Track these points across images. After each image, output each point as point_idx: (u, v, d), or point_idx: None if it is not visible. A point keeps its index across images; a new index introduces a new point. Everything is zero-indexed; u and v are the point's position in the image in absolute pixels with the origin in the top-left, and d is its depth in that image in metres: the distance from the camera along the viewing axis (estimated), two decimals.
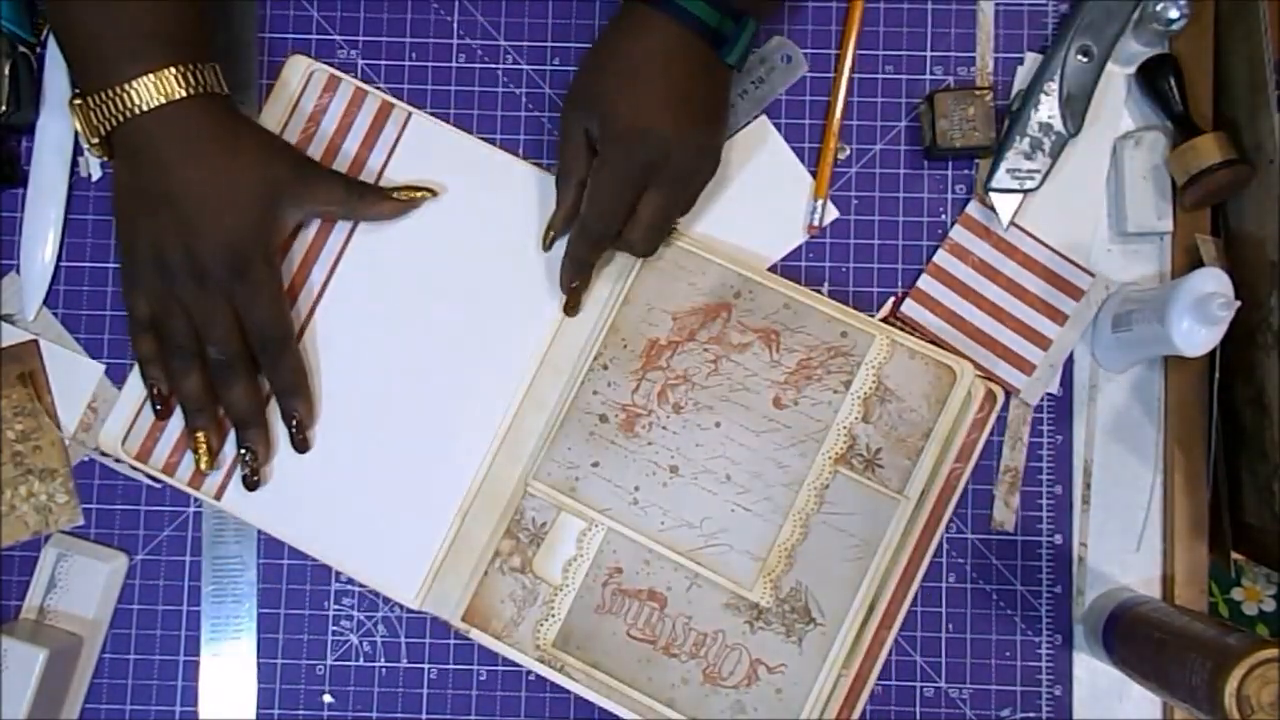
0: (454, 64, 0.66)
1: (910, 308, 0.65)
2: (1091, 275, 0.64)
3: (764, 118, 0.66)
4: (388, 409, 0.63)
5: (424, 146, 0.65)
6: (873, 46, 0.66)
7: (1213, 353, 0.60)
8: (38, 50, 0.65)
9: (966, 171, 0.66)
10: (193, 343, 0.59)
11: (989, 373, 0.64)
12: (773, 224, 0.65)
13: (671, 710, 0.59)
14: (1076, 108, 0.63)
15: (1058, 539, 0.64)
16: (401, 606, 0.64)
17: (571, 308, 0.63)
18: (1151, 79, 0.64)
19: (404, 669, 0.64)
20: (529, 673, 0.63)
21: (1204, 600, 0.63)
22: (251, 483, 0.61)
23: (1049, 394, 0.64)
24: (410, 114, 0.65)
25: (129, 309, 0.60)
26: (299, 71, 0.65)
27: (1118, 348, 0.63)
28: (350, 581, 0.64)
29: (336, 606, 0.64)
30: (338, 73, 0.65)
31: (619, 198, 0.58)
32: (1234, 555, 0.64)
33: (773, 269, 0.65)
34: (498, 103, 0.66)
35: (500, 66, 0.66)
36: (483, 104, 0.66)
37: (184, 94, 0.56)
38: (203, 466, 0.61)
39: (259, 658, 0.64)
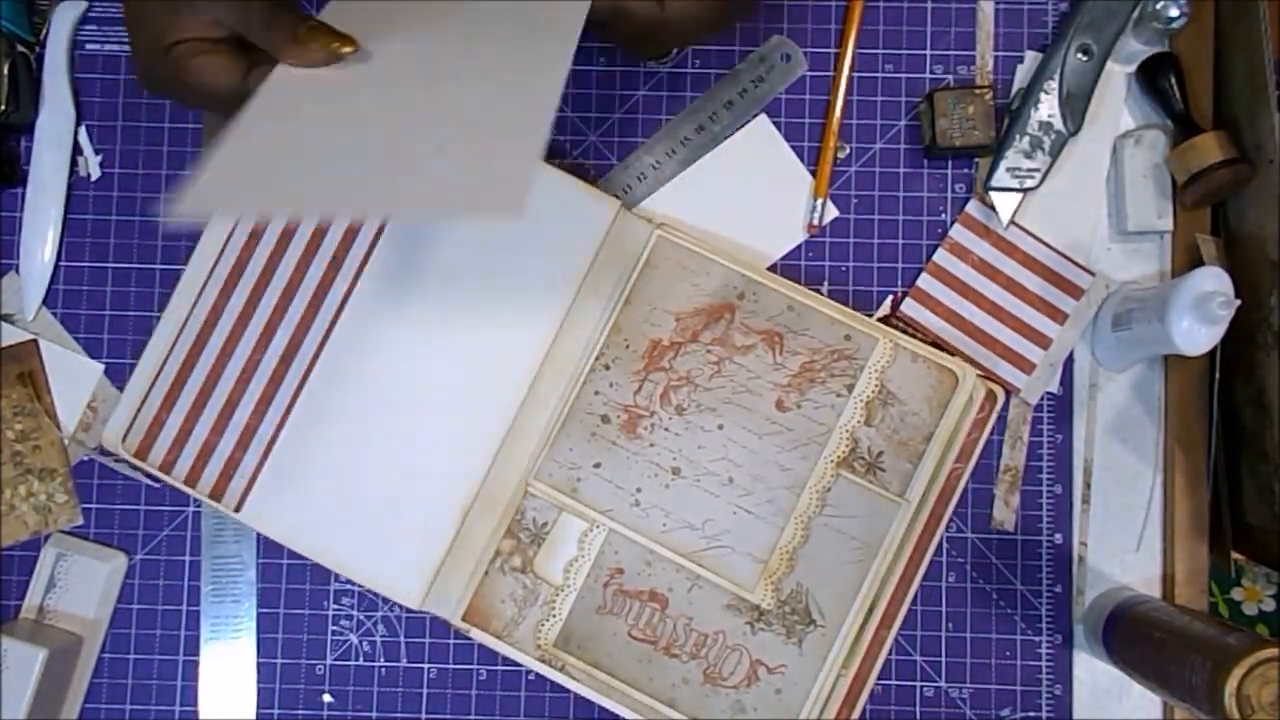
0: None
1: (910, 307, 0.64)
2: (1091, 274, 0.64)
3: (764, 117, 0.66)
4: (390, 409, 0.63)
5: None
6: (872, 45, 0.66)
7: (1213, 352, 0.60)
8: (37, 50, 0.65)
9: (966, 170, 0.66)
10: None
11: (989, 372, 0.64)
12: (772, 223, 0.65)
13: (672, 710, 0.59)
14: (1076, 106, 0.63)
15: (1058, 538, 0.64)
16: (401, 606, 0.64)
17: None
18: (1152, 78, 0.64)
19: (404, 669, 0.64)
20: (529, 672, 0.63)
21: (1204, 600, 0.63)
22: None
23: (1049, 393, 0.64)
24: None
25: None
26: None
27: (1118, 347, 0.63)
28: (350, 581, 0.64)
29: (336, 606, 0.64)
30: None
31: None
32: (1234, 555, 0.64)
33: (772, 268, 0.65)
34: None
35: None
36: None
37: None
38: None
39: (258, 657, 0.64)
